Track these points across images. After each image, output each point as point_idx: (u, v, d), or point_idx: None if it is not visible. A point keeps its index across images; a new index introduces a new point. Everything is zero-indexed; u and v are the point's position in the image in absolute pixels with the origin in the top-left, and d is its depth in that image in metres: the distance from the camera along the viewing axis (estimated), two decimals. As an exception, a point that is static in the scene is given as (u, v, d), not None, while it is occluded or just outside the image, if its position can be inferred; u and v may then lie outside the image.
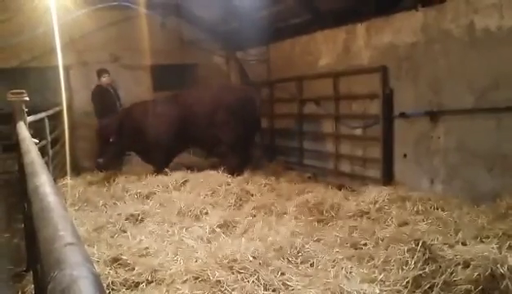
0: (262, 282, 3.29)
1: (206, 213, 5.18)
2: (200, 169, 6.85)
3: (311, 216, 4.90)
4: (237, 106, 7.05)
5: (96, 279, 0.69)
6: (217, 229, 4.66)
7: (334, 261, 3.73)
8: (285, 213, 5.06)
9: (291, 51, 8.12)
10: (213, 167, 6.91)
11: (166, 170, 6.77)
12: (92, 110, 8.07)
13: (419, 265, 3.25)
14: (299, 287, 3.28)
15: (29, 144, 2.46)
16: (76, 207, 5.62)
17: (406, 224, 4.40)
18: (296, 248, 3.93)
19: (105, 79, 7.82)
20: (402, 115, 5.74)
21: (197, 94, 7.49)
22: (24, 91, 4.00)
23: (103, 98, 7.72)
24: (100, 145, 7.01)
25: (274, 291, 3.25)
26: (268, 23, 8.06)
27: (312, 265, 3.76)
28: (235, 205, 5.54)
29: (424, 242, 3.41)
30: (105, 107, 7.55)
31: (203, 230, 4.65)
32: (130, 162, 7.97)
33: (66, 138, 7.33)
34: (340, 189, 5.93)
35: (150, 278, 3.51)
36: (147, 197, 5.87)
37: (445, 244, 3.70)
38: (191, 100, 7.25)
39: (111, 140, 6.84)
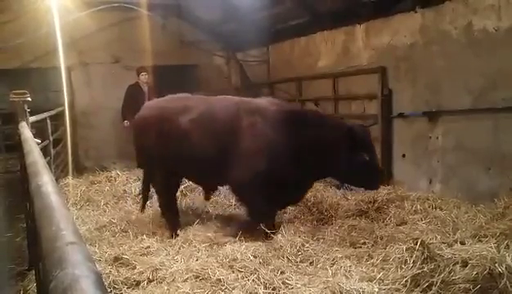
0: (262, 280, 3.30)
1: (207, 212, 5.21)
2: None
3: (310, 215, 4.93)
4: None
5: (98, 278, 0.70)
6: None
7: (333, 260, 3.75)
8: (285, 212, 5.08)
9: (291, 52, 8.15)
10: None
11: None
12: (91, 110, 8.08)
13: (417, 263, 3.25)
14: (299, 286, 3.29)
15: (31, 144, 2.48)
16: (78, 207, 5.66)
17: (404, 223, 4.44)
18: (296, 247, 3.95)
19: (142, 77, 7.71)
20: (401, 115, 5.76)
21: None
22: (26, 91, 4.02)
23: (133, 95, 7.50)
24: None
25: (274, 289, 3.26)
26: (268, 24, 8.07)
27: (311, 263, 3.77)
28: (235, 204, 5.57)
29: (422, 242, 3.42)
30: (132, 104, 6.99)
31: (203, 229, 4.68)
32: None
33: (68, 138, 7.36)
34: (339, 189, 5.94)
35: (151, 277, 3.53)
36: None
37: (443, 243, 3.72)
38: None
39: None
